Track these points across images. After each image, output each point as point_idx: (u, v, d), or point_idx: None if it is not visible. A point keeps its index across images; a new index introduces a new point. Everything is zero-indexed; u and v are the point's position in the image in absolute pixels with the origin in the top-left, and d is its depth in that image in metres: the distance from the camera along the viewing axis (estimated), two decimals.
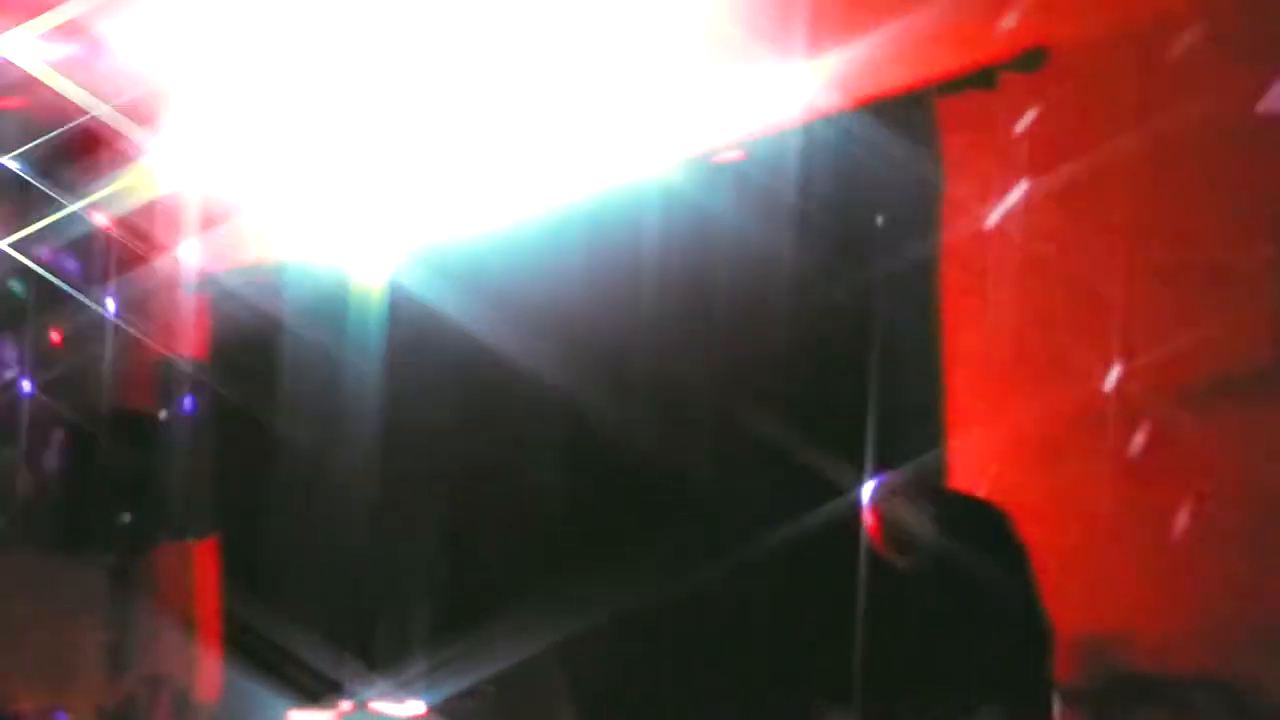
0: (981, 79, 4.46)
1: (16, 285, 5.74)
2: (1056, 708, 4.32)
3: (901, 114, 4.47)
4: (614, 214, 5.05)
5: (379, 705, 5.15)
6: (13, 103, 5.41)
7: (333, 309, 5.42)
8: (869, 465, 4.61)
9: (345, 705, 5.21)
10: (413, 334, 5.28)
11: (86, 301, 5.78)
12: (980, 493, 4.53)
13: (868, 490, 4.31)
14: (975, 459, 4.69)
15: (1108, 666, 4.55)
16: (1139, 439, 4.37)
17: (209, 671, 5.74)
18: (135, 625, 5.69)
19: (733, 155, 4.90)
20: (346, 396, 5.40)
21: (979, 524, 4.31)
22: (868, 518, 4.26)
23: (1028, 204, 4.52)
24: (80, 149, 5.56)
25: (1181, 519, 4.28)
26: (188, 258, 5.89)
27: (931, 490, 4.42)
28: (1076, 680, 4.51)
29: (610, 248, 5.06)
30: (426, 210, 5.36)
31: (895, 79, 4.55)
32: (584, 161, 5.07)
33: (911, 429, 4.73)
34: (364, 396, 5.35)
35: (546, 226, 5.16)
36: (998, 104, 4.48)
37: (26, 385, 5.71)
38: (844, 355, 4.73)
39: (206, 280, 6.06)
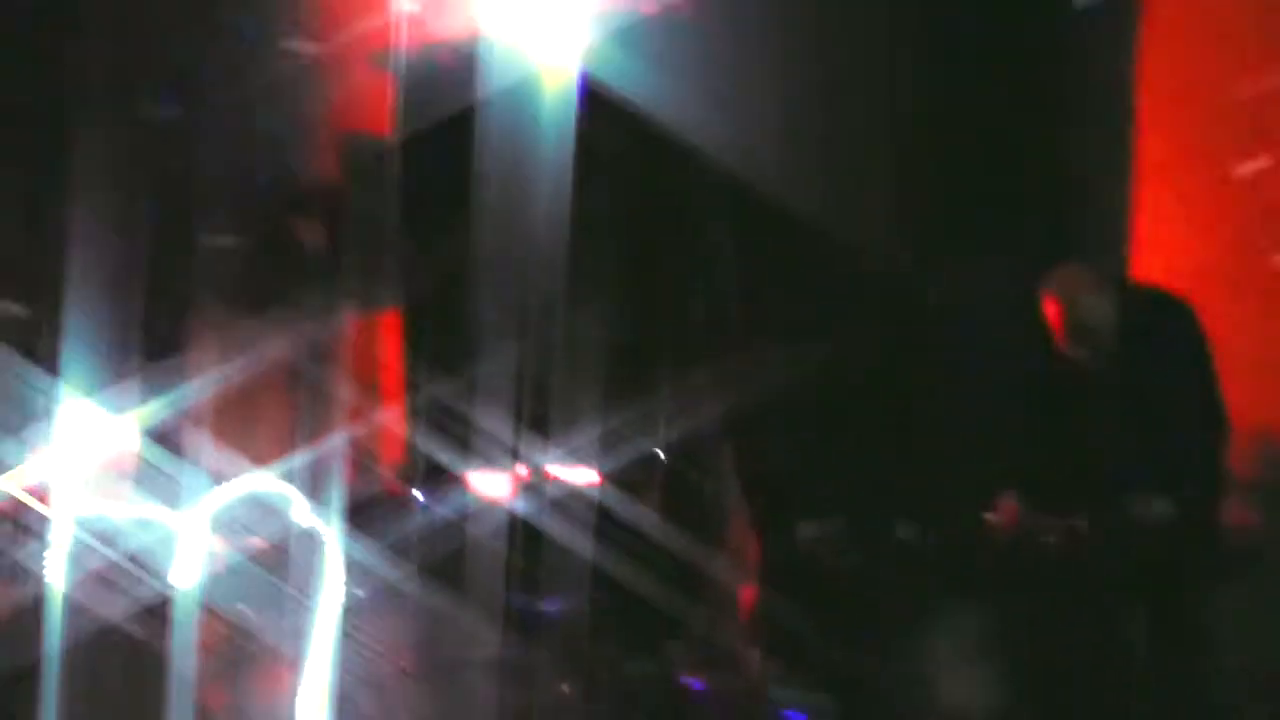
0: None
1: None
2: (1229, 500, 4.34)
3: None
4: None
5: (554, 471, 5.32)
6: None
7: (525, 91, 5.46)
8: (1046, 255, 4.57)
9: (522, 471, 5.39)
10: (604, 117, 5.32)
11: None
12: (1165, 285, 4.49)
13: (1049, 279, 4.28)
14: (1163, 250, 4.63)
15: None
16: None
17: (393, 436, 5.96)
18: (325, 392, 5.89)
19: None
20: (535, 177, 5.47)
21: (1162, 316, 4.27)
22: (1048, 306, 4.23)
23: None
24: None
25: None
26: (377, 32, 5.94)
27: (1114, 281, 4.36)
28: (1253, 473, 4.51)
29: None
30: None
31: None
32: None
33: (1097, 218, 4.67)
34: (553, 178, 5.41)
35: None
36: None
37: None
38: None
39: (396, 57, 6.11)
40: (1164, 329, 4.23)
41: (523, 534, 5.21)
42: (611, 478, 5.23)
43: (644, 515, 5.16)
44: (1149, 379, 4.19)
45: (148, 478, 5.29)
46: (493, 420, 5.40)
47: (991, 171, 4.83)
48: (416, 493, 5.47)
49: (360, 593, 4.94)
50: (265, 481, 5.21)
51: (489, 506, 5.35)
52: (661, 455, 5.25)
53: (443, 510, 5.36)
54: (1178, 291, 4.33)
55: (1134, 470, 4.22)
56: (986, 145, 4.86)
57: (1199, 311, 4.26)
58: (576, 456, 5.31)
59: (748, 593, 5.10)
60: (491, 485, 5.42)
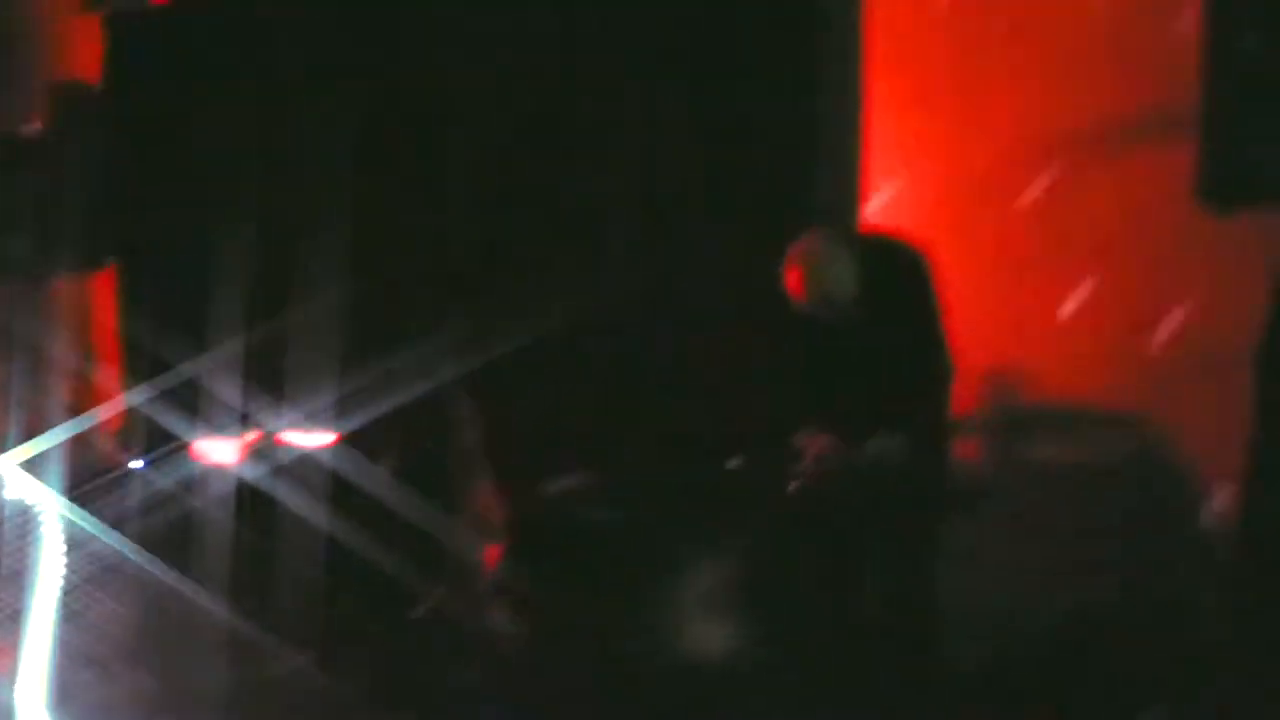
0: None
1: None
2: (954, 438, 4.49)
3: None
4: None
5: (287, 435, 5.15)
6: None
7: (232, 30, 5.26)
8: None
9: (252, 435, 5.20)
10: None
11: None
12: (897, 233, 4.58)
13: (790, 248, 4.36)
14: (891, 201, 4.73)
15: (1007, 399, 4.70)
16: (1064, 180, 4.43)
17: (113, 401, 5.69)
18: (38, 355, 5.59)
19: None
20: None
21: (897, 267, 4.39)
22: (790, 275, 4.33)
23: None
24: None
25: (1104, 255, 4.37)
26: None
27: (850, 242, 4.47)
28: (977, 412, 4.66)
29: None
30: None
31: None
32: None
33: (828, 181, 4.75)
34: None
35: None
36: None
37: None
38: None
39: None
40: (898, 280, 4.38)
41: (252, 502, 5.03)
42: (348, 440, 5.08)
43: (383, 478, 5.04)
44: (886, 329, 4.32)
45: None
46: (221, 383, 5.21)
47: (723, 132, 4.86)
48: (139, 462, 5.23)
49: (81, 570, 4.68)
50: None
51: (218, 474, 5.15)
52: (400, 416, 5.11)
53: (169, 479, 5.15)
54: (911, 241, 4.42)
55: (873, 414, 4.33)
56: (716, 107, 4.89)
57: (930, 259, 4.37)
58: (311, 420, 5.14)
59: (494, 551, 5.02)
60: (221, 451, 5.22)
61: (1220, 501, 4.23)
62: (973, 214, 4.63)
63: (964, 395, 4.49)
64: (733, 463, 4.51)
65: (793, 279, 4.35)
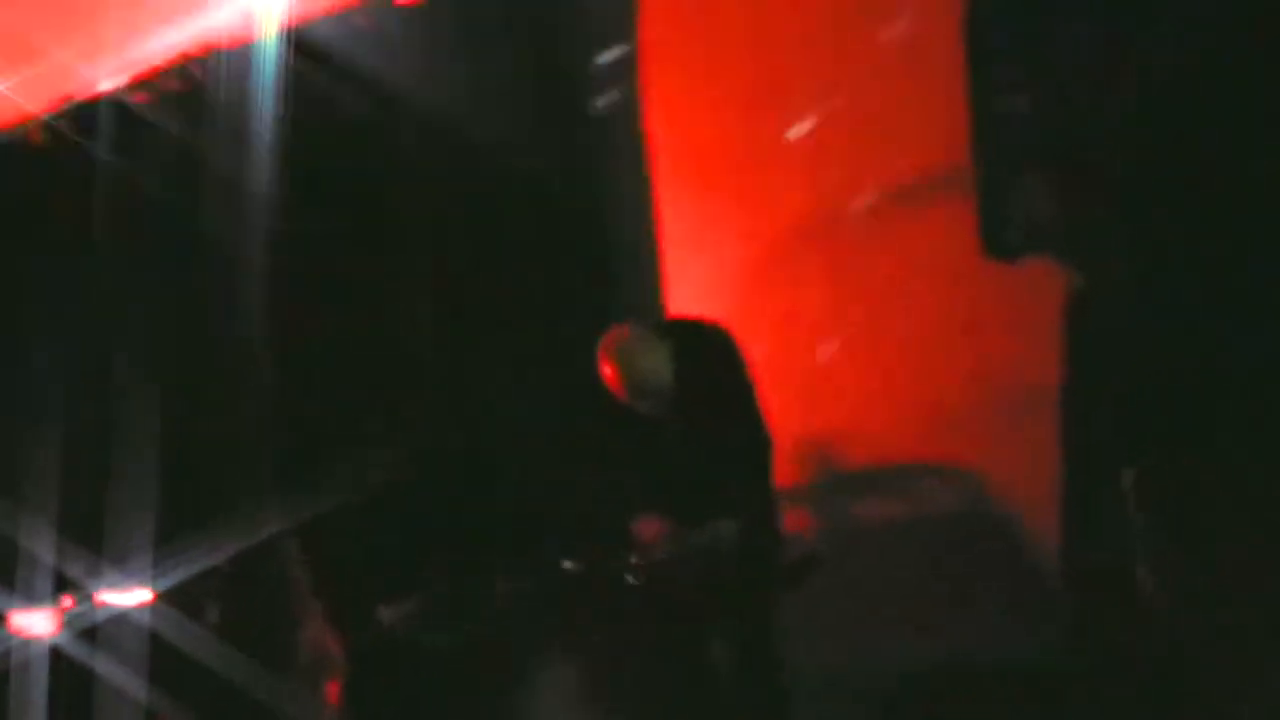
0: None
1: None
2: (782, 510, 4.56)
3: None
4: None
5: (105, 597, 4.97)
6: None
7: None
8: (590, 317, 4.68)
9: (68, 601, 5.01)
10: None
11: None
12: (698, 316, 4.67)
13: (601, 343, 4.42)
14: (690, 288, 4.83)
15: (830, 465, 4.79)
16: (848, 245, 4.57)
17: None
18: None
19: None
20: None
21: (705, 350, 4.48)
22: (605, 370, 4.38)
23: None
24: None
25: (896, 314, 4.51)
26: None
27: (658, 330, 4.54)
28: (800, 481, 4.75)
29: None
30: None
31: None
32: None
33: (626, 274, 4.83)
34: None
35: None
36: None
37: None
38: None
39: None
40: (708, 363, 4.46)
41: (68, 672, 4.83)
42: (168, 596, 4.92)
43: (207, 630, 4.89)
44: (702, 413, 4.39)
45: None
46: (34, 544, 5.01)
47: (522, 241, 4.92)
48: None
49: None
50: None
51: (32, 644, 4.94)
52: (222, 565, 4.98)
53: None
54: (711, 323, 4.52)
55: (702, 496, 4.38)
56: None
57: (735, 338, 4.46)
58: (129, 577, 4.98)
59: (334, 687, 4.90)
60: (36, 619, 5.01)
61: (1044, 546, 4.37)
62: (767, 289, 4.75)
63: (785, 467, 4.57)
64: (568, 563, 4.50)
65: (607, 373, 4.40)
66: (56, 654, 4.92)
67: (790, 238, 4.70)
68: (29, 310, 5.24)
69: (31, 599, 4.96)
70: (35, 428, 5.08)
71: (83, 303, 5.21)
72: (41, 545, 4.93)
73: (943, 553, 4.57)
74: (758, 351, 4.51)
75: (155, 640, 4.89)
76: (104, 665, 4.86)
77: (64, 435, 5.09)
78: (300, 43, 4.81)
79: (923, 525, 4.65)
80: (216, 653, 4.83)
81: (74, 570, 4.96)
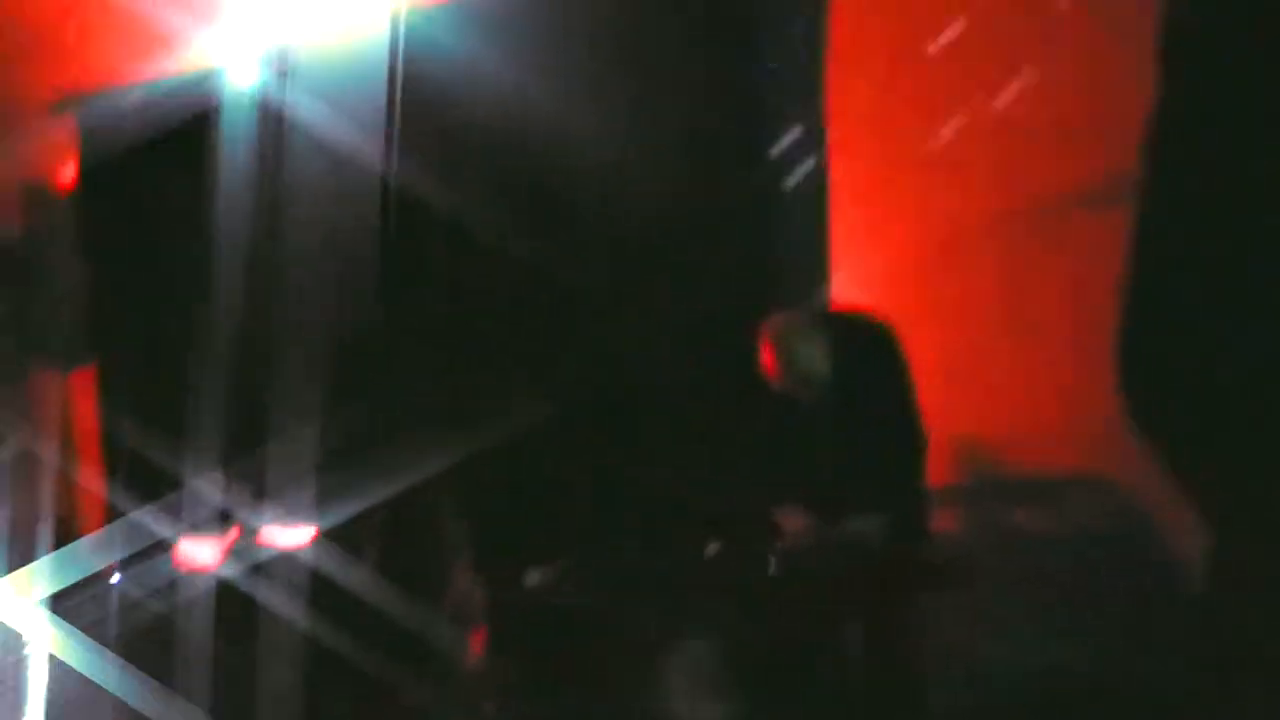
0: None
1: None
2: (932, 510, 4.49)
3: None
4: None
5: (269, 531, 5.14)
6: None
7: (200, 127, 5.28)
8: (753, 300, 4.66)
9: (234, 533, 5.19)
10: (290, 152, 5.16)
11: None
12: (862, 307, 4.60)
13: (761, 329, 4.41)
14: (858, 278, 4.75)
15: (985, 469, 4.69)
16: (1022, 245, 4.45)
17: (94, 502, 5.69)
18: (21, 460, 5.60)
19: None
20: (222, 221, 5.28)
21: (866, 343, 4.44)
22: (764, 355, 4.38)
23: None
24: None
25: (1060, 323, 4.38)
26: (53, 80, 5.68)
27: (820, 319, 4.52)
28: (954, 483, 4.65)
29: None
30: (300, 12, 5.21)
31: None
32: None
33: (794, 260, 4.77)
34: (236, 218, 5.23)
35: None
36: None
37: None
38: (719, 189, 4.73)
39: (72, 102, 5.84)
40: (869, 357, 4.43)
41: (234, 603, 5.02)
42: (329, 535, 5.07)
43: (364, 572, 5.02)
44: (859, 406, 4.36)
45: None
46: (201, 481, 5.21)
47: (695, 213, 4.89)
48: (121, 567, 5.23)
49: (65, 683, 4.68)
50: None
51: (198, 575, 5.14)
52: (380, 509, 5.11)
53: (149, 582, 5.14)
54: (876, 315, 4.44)
55: (851, 491, 4.34)
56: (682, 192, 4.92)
57: (896, 332, 4.39)
58: (291, 515, 5.14)
59: (477, 638, 5.01)
60: (202, 551, 5.21)
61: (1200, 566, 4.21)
62: (937, 287, 4.64)
63: (940, 466, 4.49)
64: (712, 545, 4.51)
65: (766, 359, 4.41)
66: (222, 585, 5.12)
67: (964, 234, 4.58)
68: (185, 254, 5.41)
69: (198, 531, 5.16)
70: (202, 362, 5.26)
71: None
72: (208, 480, 5.11)
73: (1095, 567, 4.44)
74: (921, 347, 4.42)
75: (316, 576, 5.05)
76: (267, 598, 5.03)
77: (230, 370, 5.26)
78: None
79: (1077, 537, 4.52)
80: (374, 591, 4.96)
81: (238, 505, 5.14)
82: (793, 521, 4.40)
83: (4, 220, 5.97)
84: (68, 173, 5.99)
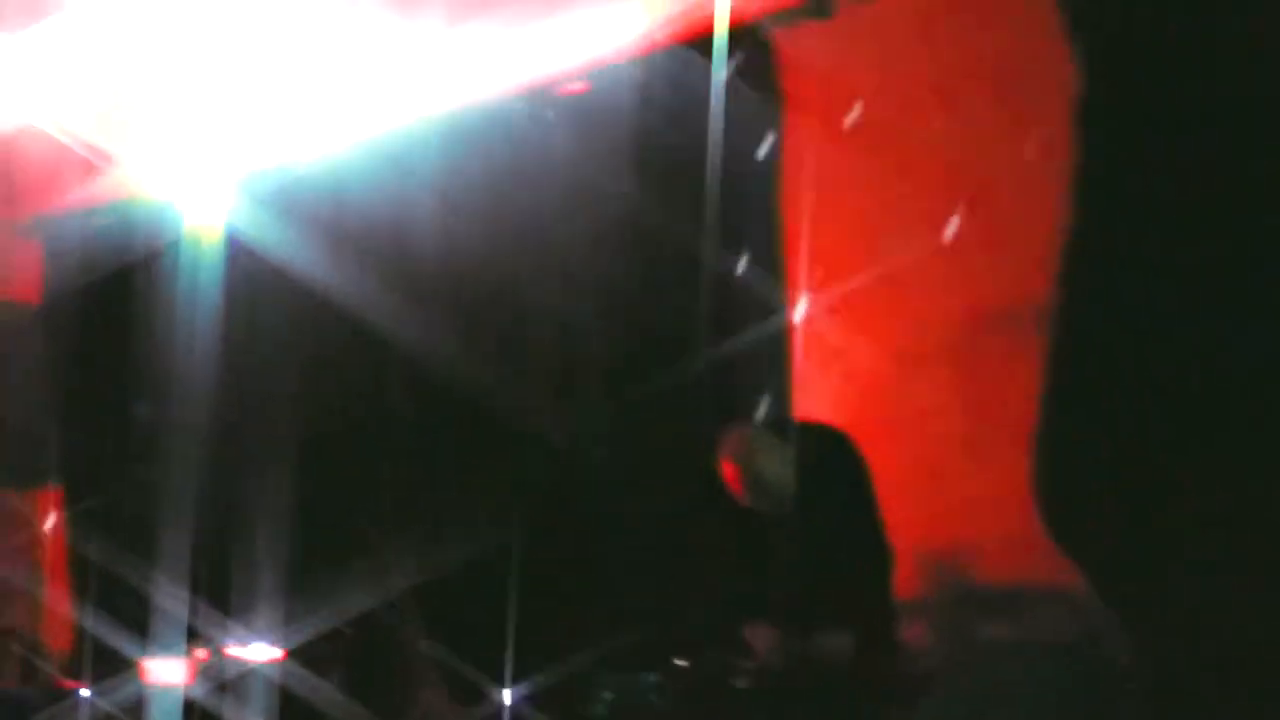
0: (816, 9, 4.50)
1: None
2: (899, 622, 4.49)
3: (737, 46, 4.48)
4: (450, 142, 5.02)
5: (235, 651, 5.12)
6: None
7: (169, 252, 5.32)
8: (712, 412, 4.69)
9: (200, 652, 5.17)
10: (250, 277, 5.20)
11: None
12: (824, 419, 4.63)
13: (722, 443, 4.43)
14: (819, 391, 4.79)
15: (954, 580, 4.70)
16: (982, 356, 4.49)
17: (59, 621, 5.66)
18: None
19: (572, 87, 4.88)
20: (185, 344, 5.31)
21: (829, 454, 4.46)
22: (726, 471, 4.39)
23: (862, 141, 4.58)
24: None
25: (1021, 434, 4.41)
26: (19, 201, 5.74)
27: (781, 432, 4.54)
28: (922, 595, 4.66)
29: (449, 175, 5.03)
30: (261, 140, 5.27)
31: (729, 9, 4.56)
32: (416, 90, 5.03)
33: (754, 368, 4.80)
34: (202, 344, 5.26)
35: (379, 154, 5.10)
36: (835, 35, 4.52)
37: None
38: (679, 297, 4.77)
39: (39, 224, 5.90)
40: (832, 469, 4.45)
41: None
42: (295, 654, 5.06)
43: (330, 690, 5.01)
44: (823, 519, 4.38)
45: None
46: (168, 599, 5.19)
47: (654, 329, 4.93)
48: (85, 685, 5.20)
49: None
50: None
51: (165, 693, 5.11)
52: (346, 627, 5.10)
53: (115, 701, 5.11)
54: (836, 428, 4.48)
55: (818, 604, 4.35)
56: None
57: (857, 444, 4.42)
58: (258, 633, 5.12)
59: None
60: (168, 670, 5.19)
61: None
62: (897, 400, 4.68)
63: (906, 579, 4.50)
64: (681, 661, 4.51)
65: (727, 472, 4.42)
66: (189, 704, 5.09)
67: (922, 346, 4.64)
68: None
69: (165, 650, 5.13)
70: (171, 481, 5.26)
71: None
72: (175, 600, 5.10)
73: (1064, 680, 4.44)
74: (883, 459, 4.46)
75: (283, 694, 5.03)
76: (234, 716, 5.01)
77: (198, 490, 5.26)
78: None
79: (1044, 648, 4.53)
80: (341, 710, 4.95)
81: (206, 625, 5.12)
82: (760, 635, 4.40)
83: None
84: (33, 292, 6.03)
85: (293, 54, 5.13)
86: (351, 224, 5.08)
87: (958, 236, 4.39)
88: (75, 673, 5.31)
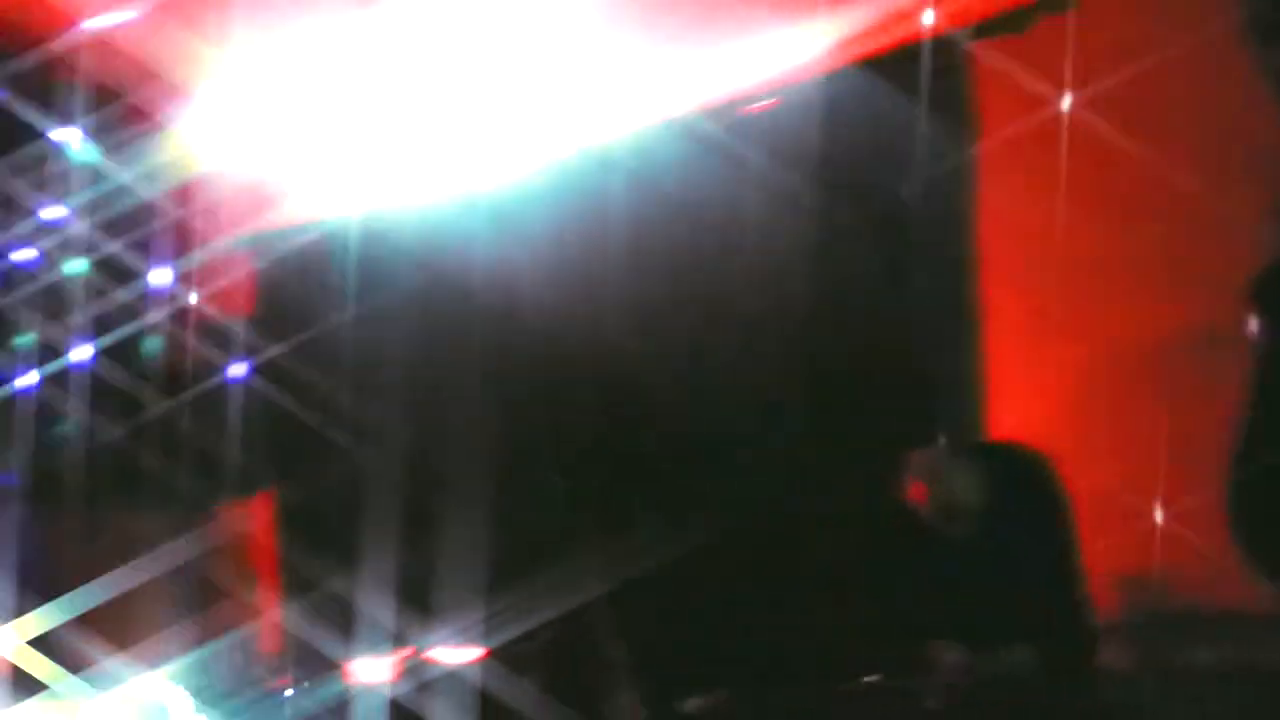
0: (1013, 22, 4.43)
1: (74, 258, 5.83)
2: (1098, 647, 4.40)
3: (931, 61, 4.44)
4: (630, 164, 5.08)
5: (437, 653, 5.26)
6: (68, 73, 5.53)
7: (364, 266, 5.51)
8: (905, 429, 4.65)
9: (404, 653, 5.32)
10: (437, 289, 5.35)
11: (141, 270, 5.88)
12: (1020, 439, 4.56)
13: (910, 462, 4.38)
14: (1014, 409, 4.72)
15: (1154, 603, 4.59)
16: (1189, 374, 4.38)
17: (271, 624, 5.88)
18: (200, 581, 5.83)
19: (759, 105, 4.89)
20: (384, 352, 5.48)
21: (1022, 475, 4.39)
22: (913, 490, 4.35)
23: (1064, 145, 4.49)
24: (126, 120, 5.64)
25: (1220, 453, 4.29)
26: (234, 220, 5.98)
27: (973, 449, 4.47)
28: (1118, 619, 4.56)
29: (630, 198, 5.09)
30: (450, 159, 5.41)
31: (924, 23, 4.53)
32: (594, 112, 5.10)
33: (949, 387, 4.75)
34: (400, 352, 5.42)
35: (568, 176, 5.19)
36: (1030, 48, 4.45)
37: (89, 352, 5.80)
38: (874, 314, 4.75)
39: (251, 241, 6.13)
40: (1023, 490, 4.38)
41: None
42: (495, 656, 5.18)
43: (529, 693, 5.11)
44: (1013, 539, 4.30)
45: (28, 685, 5.22)
46: (372, 602, 5.35)
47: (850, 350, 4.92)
48: (295, 682, 5.39)
49: None
50: (146, 683, 5.16)
51: (370, 693, 5.27)
52: (546, 632, 5.20)
53: (323, 699, 5.29)
54: (1030, 447, 4.41)
55: (1008, 624, 4.29)
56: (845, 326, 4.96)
57: (1052, 462, 4.35)
58: (459, 636, 5.25)
59: None
60: (373, 670, 5.35)
61: None
62: (1098, 417, 4.59)
63: (1104, 602, 4.41)
64: (870, 678, 4.48)
65: (915, 491, 4.37)
66: (392, 704, 5.24)
67: (1121, 368, 4.53)
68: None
69: (369, 651, 5.30)
70: (373, 484, 5.42)
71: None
72: (378, 602, 5.26)
73: (1269, 709, 4.31)
74: (1082, 481, 4.37)
75: (483, 695, 5.14)
76: (435, 716, 5.14)
77: (400, 493, 5.42)
78: None
79: (1252, 675, 4.39)
80: (540, 710, 5.04)
81: (409, 629, 5.27)
82: (948, 653, 4.34)
83: (193, 355, 6.22)
84: (249, 308, 6.27)
85: (479, 76, 5.25)
86: (538, 237, 5.18)
87: (1156, 256, 4.29)
88: (282, 672, 5.51)
